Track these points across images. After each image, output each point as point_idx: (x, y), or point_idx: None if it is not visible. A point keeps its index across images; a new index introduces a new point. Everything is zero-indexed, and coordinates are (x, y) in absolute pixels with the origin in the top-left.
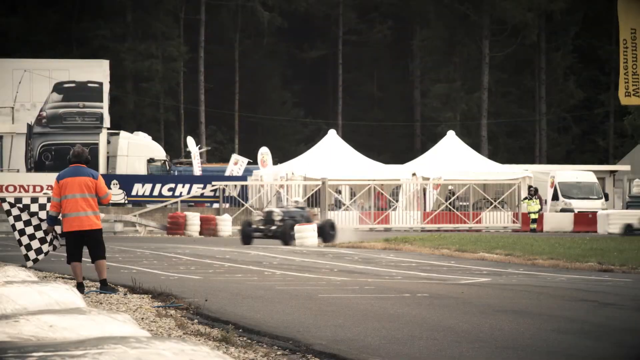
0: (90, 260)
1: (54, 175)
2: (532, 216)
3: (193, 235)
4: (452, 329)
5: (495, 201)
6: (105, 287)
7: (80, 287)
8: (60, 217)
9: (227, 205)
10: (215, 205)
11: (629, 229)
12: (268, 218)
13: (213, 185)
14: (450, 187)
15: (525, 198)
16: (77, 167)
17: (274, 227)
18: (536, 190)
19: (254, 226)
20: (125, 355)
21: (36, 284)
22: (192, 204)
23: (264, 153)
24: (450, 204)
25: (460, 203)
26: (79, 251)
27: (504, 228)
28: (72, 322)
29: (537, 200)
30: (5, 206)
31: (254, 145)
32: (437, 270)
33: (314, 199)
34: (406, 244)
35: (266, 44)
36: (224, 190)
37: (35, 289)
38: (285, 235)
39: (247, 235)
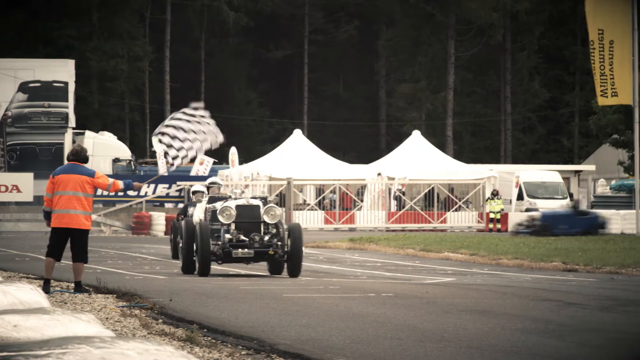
0: (69, 260)
1: (19, 175)
2: (493, 216)
3: (158, 235)
4: (416, 328)
5: (460, 201)
6: (80, 288)
7: (46, 284)
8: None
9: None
10: (180, 205)
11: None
12: None
13: (178, 185)
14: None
15: (489, 198)
16: (73, 164)
17: None
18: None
19: None
20: (89, 355)
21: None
22: (157, 203)
23: (233, 153)
24: (415, 204)
25: (425, 203)
26: (60, 250)
27: (468, 228)
28: (36, 322)
29: (500, 201)
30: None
31: (220, 145)
32: (402, 270)
33: (280, 199)
34: (371, 244)
35: (232, 43)
36: (189, 190)
37: None
38: None
39: None
